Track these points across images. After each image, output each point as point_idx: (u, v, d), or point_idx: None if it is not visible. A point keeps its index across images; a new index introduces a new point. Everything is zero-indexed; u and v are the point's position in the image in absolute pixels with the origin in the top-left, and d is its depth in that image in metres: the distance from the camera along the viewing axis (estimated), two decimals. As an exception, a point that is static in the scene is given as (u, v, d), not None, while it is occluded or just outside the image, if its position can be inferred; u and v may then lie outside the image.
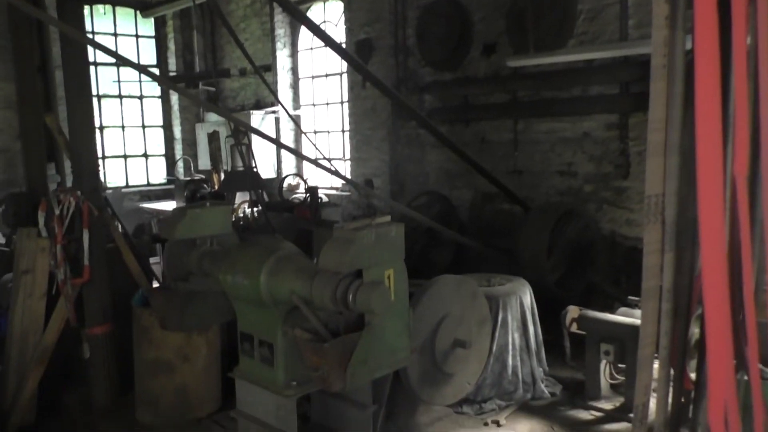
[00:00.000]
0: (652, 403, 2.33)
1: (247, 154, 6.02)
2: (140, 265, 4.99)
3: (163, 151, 12.15)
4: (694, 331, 2.57)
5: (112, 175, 11.44)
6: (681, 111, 2.04)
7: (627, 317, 4.50)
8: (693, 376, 2.49)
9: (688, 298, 2.28)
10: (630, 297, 4.97)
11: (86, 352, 4.70)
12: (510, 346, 4.54)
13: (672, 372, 2.35)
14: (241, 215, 7.61)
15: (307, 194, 6.34)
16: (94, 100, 11.50)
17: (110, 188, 10.47)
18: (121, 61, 4.11)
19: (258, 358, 3.69)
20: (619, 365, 4.53)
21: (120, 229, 5.29)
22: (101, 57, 10.85)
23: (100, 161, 11.59)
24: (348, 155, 9.48)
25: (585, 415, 4.38)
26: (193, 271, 4.14)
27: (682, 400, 2.53)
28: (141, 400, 4.39)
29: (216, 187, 8.36)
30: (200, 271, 4.10)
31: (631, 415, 2.52)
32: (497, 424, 4.24)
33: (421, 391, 3.97)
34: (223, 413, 4.21)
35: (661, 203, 2.06)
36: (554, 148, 6.72)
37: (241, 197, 8.08)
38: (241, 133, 5.99)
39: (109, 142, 11.45)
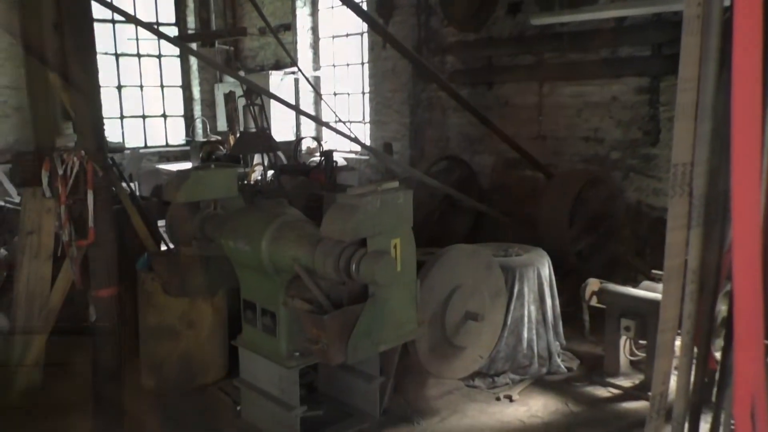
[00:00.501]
0: (673, 381, 2.15)
1: (260, 115, 5.84)
2: (148, 227, 4.89)
3: (182, 112, 12.03)
4: (721, 308, 2.37)
5: (131, 135, 11.37)
6: (716, 69, 1.80)
7: (650, 292, 4.29)
8: (718, 356, 2.31)
9: (716, 276, 2.07)
10: (654, 270, 4.75)
11: (92, 315, 4.64)
12: (526, 319, 4.37)
13: (695, 350, 2.16)
14: (259, 178, 7.47)
15: (322, 158, 6.17)
16: (112, 59, 11.45)
17: (129, 148, 10.40)
18: (125, 17, 3.94)
19: (260, 327, 3.58)
20: (640, 341, 4.34)
21: (128, 191, 5.19)
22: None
23: (119, 121, 11.56)
24: (368, 118, 9.26)
25: (602, 392, 4.20)
26: (196, 236, 4.03)
27: (705, 380, 2.33)
28: (145, 365, 4.32)
29: (233, 148, 8.23)
30: (203, 236, 3.97)
31: (650, 393, 2.36)
32: (510, 399, 4.09)
33: (430, 365, 3.82)
34: (229, 381, 4.13)
35: (689, 173, 1.84)
36: (580, 113, 6.42)
37: (259, 160, 7.94)
38: (254, 93, 5.81)
39: (127, 102, 11.35)
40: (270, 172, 6.62)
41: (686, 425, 2.26)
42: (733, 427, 2.10)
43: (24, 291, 4.78)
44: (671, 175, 1.82)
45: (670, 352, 2.01)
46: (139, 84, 11.50)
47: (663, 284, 1.92)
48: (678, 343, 2.19)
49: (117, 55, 11.14)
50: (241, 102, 7.35)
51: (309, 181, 6.28)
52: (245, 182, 6.66)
